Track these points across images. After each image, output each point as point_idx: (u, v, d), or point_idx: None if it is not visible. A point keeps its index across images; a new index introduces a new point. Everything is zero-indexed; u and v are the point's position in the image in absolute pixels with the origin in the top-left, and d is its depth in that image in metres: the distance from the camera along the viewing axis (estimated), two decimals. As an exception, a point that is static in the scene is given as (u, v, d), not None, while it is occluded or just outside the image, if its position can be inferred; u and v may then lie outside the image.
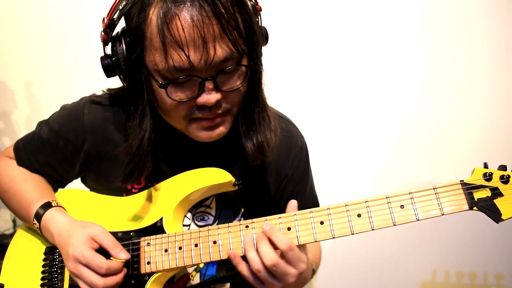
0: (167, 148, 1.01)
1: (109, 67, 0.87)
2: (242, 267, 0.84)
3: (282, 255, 0.82)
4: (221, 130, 0.90)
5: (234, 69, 0.83)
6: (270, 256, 0.80)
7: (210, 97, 0.82)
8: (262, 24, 0.91)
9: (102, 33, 0.85)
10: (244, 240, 0.85)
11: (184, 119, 0.88)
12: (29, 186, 1.04)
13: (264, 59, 0.91)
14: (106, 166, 1.03)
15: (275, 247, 0.81)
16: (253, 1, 0.87)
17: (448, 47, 1.67)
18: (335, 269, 1.95)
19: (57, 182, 1.11)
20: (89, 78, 1.64)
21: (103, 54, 0.88)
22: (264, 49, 0.91)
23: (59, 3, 1.93)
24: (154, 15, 0.77)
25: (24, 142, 1.10)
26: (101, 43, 0.87)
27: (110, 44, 0.87)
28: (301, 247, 0.84)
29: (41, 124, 1.09)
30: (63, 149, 1.03)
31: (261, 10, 0.88)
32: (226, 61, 0.81)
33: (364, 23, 1.69)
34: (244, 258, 0.84)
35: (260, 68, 0.89)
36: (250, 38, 0.83)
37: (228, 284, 1.10)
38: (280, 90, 1.65)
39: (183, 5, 0.76)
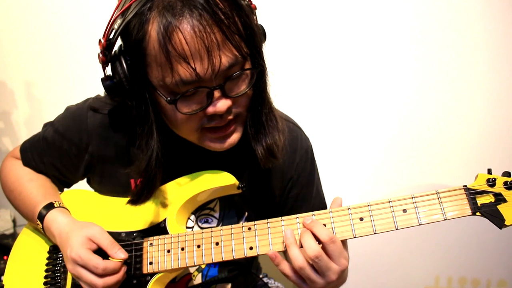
0: (174, 155, 1.00)
1: (111, 88, 0.85)
2: (284, 266, 0.82)
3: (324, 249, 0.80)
4: (234, 138, 0.89)
5: (240, 74, 0.82)
6: (314, 248, 0.78)
7: (220, 105, 0.81)
8: (259, 23, 0.89)
9: (100, 55, 0.83)
10: (285, 236, 0.83)
11: (196, 131, 0.87)
12: (34, 187, 1.04)
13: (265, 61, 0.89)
14: (110, 169, 1.03)
15: (317, 240, 0.80)
16: (247, 0, 0.85)
17: (448, 47, 1.67)
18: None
19: (62, 182, 1.12)
20: (89, 78, 1.64)
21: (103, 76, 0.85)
22: (264, 50, 0.89)
23: (59, 3, 1.92)
24: (153, 30, 0.75)
25: (30, 143, 1.10)
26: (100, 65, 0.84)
27: (109, 65, 0.84)
28: (344, 244, 0.83)
29: (46, 126, 1.10)
30: (68, 150, 1.03)
31: (255, 8, 0.87)
32: (232, 67, 0.80)
33: (364, 24, 1.69)
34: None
35: (265, 69, 0.88)
36: (252, 40, 0.82)
37: (229, 285, 1.11)
38: (281, 92, 1.65)
39: (182, 17, 0.73)
